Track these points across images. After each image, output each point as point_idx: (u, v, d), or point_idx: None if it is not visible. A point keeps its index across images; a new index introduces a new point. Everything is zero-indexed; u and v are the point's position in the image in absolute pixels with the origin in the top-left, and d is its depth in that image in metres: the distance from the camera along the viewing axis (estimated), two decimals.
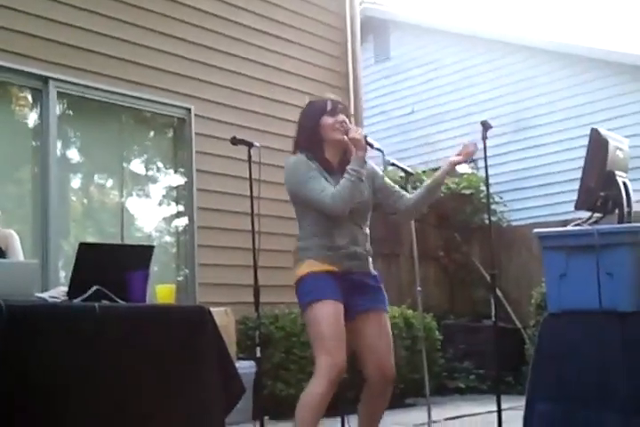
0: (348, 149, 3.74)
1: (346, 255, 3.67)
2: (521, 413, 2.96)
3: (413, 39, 12.15)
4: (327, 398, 3.51)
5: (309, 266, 3.62)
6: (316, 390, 3.49)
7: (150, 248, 3.45)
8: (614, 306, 2.82)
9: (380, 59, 12.49)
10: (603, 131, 3.18)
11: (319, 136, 3.73)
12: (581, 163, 3.24)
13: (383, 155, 3.77)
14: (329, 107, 3.75)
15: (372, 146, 3.72)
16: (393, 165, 5.42)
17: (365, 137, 3.68)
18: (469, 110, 10.63)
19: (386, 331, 3.74)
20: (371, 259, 3.82)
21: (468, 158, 3.81)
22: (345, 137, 3.70)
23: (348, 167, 3.63)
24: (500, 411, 4.22)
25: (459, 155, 3.79)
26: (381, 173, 3.98)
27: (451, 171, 3.83)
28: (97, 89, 6.17)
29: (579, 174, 3.24)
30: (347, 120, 3.75)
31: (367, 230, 3.82)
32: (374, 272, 3.82)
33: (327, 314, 3.53)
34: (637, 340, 2.75)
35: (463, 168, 10.99)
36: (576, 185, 3.24)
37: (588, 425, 2.75)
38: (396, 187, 3.97)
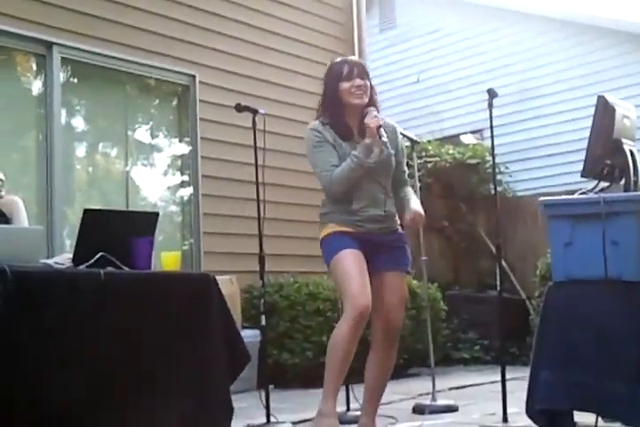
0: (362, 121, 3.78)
1: (364, 219, 3.74)
2: (525, 383, 2.97)
3: (419, 7, 12.02)
4: (353, 336, 3.57)
5: (330, 228, 3.74)
6: (341, 329, 3.58)
7: (155, 215, 3.44)
8: (620, 275, 2.81)
9: (385, 27, 12.38)
10: (610, 98, 3.15)
11: (339, 101, 3.78)
12: (587, 133, 3.21)
13: (387, 148, 3.76)
14: (345, 71, 3.78)
15: (380, 137, 3.71)
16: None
17: (379, 127, 3.69)
18: (475, 80, 10.54)
19: (401, 292, 3.82)
20: (396, 218, 3.87)
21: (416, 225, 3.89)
22: (365, 99, 3.76)
23: (352, 153, 3.69)
24: (504, 381, 4.25)
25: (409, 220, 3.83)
26: (402, 145, 4.03)
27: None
28: (101, 55, 6.13)
29: (585, 145, 3.22)
30: (364, 84, 3.77)
31: (389, 188, 3.85)
32: (399, 231, 3.88)
33: (348, 261, 3.63)
34: None
35: (468, 138, 10.95)
36: (582, 156, 3.22)
37: (591, 393, 2.76)
38: (405, 169, 4.00)
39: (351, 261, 3.63)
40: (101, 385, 2.89)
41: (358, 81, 3.76)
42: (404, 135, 5.43)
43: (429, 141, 10.17)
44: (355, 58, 3.95)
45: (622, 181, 3.13)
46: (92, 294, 2.91)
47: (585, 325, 2.85)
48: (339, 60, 3.90)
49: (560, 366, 2.85)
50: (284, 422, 4.19)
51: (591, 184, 3.19)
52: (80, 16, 6.03)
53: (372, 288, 3.70)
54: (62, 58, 5.92)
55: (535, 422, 2.96)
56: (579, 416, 2.89)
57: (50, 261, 3.15)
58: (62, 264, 3.10)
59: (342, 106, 3.78)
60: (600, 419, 2.87)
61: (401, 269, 3.82)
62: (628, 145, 3.14)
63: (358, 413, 4.42)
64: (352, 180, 3.68)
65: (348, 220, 3.72)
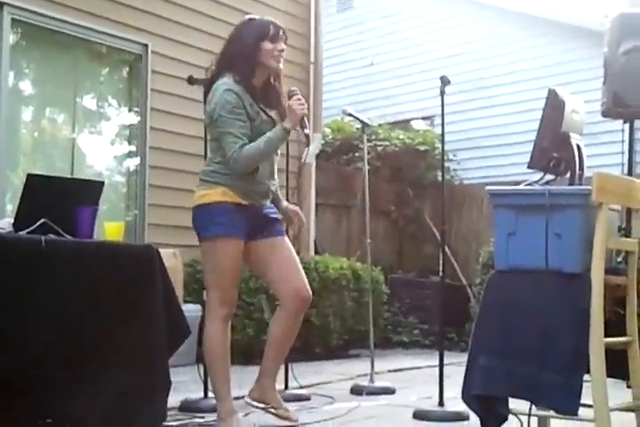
0: (278, 76, 3.70)
1: (260, 192, 3.67)
2: (462, 368, 3.00)
3: None
4: (225, 333, 3.62)
5: (222, 195, 3.57)
6: (211, 332, 3.61)
7: (100, 184, 3.38)
8: (560, 267, 2.85)
9: (343, 8, 12.34)
10: (560, 91, 3.18)
11: (255, 59, 3.62)
12: (537, 125, 3.24)
13: (308, 141, 3.70)
14: (271, 31, 3.65)
15: (302, 128, 3.64)
16: (350, 115, 5.42)
17: (303, 116, 3.61)
18: (429, 66, 10.58)
19: (292, 255, 3.77)
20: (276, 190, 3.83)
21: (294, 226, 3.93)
22: (281, 65, 3.65)
23: (269, 133, 3.57)
24: (441, 365, 4.30)
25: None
26: None
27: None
28: (53, 18, 6.00)
29: (534, 137, 3.24)
30: (284, 48, 3.66)
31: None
32: (271, 205, 3.81)
33: (231, 251, 3.57)
34: (580, 301, 2.78)
35: (419, 124, 11.00)
36: (530, 147, 3.24)
37: (528, 382, 2.80)
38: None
39: (233, 251, 3.57)
40: (41, 356, 2.84)
41: (283, 45, 3.66)
42: (356, 117, 5.42)
43: (380, 125, 10.21)
44: (276, 21, 3.76)
45: (568, 175, 3.17)
46: (32, 260, 2.86)
47: (524, 314, 2.88)
48: (259, 18, 3.74)
49: (497, 353, 2.88)
50: None
51: (537, 176, 3.22)
52: None
53: (263, 259, 3.70)
54: (12, 19, 5.77)
55: (470, 407, 2.99)
56: (514, 403, 2.94)
57: None
58: (2, 229, 3.04)
59: (254, 65, 3.63)
60: (534, 407, 2.92)
61: (283, 234, 3.79)
62: (575, 139, 3.17)
63: (297, 391, 4.45)
64: (260, 161, 3.59)
65: (243, 188, 3.59)
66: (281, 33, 3.68)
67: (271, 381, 3.76)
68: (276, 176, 3.78)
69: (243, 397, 3.82)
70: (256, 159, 3.56)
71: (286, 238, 3.80)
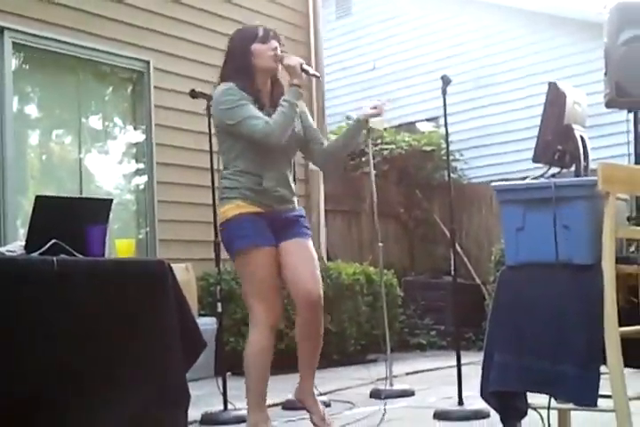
0: (278, 79, 3.69)
1: (274, 199, 3.64)
2: (480, 367, 3.00)
3: None
4: (271, 343, 3.59)
5: (237, 208, 3.57)
6: (256, 337, 3.58)
7: (109, 201, 3.40)
8: (570, 258, 2.85)
9: (341, 14, 12.38)
10: (561, 84, 3.18)
11: (249, 64, 3.61)
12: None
13: (320, 80, 3.73)
14: (260, 33, 3.63)
15: (307, 73, 3.67)
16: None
17: (301, 64, 3.60)
18: (431, 67, 10.58)
19: (310, 255, 3.71)
20: (295, 199, 3.80)
21: (380, 112, 3.84)
22: (279, 65, 3.63)
23: (283, 98, 3.56)
24: (459, 365, 4.31)
25: (374, 108, 3.81)
26: (308, 112, 3.93)
27: (363, 123, 3.85)
28: (54, 40, 6.05)
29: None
30: (279, 47, 3.64)
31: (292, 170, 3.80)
32: (298, 210, 3.80)
33: (262, 260, 3.56)
34: (593, 292, 2.78)
35: (424, 126, 11.01)
36: (535, 142, 3.25)
37: (545, 375, 2.80)
38: (319, 132, 3.94)
39: (265, 261, 3.56)
40: (56, 374, 2.86)
41: (274, 43, 3.63)
42: None
43: (385, 129, 10.21)
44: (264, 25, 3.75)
45: (573, 167, 3.17)
46: (45, 281, 2.88)
47: (537, 308, 2.88)
48: (247, 25, 3.75)
49: (512, 349, 2.88)
50: (241, 409, 4.19)
51: (544, 170, 3.22)
52: (32, 0, 5.93)
53: (284, 262, 3.65)
54: (14, 43, 5.82)
55: (489, 404, 2.99)
56: (533, 398, 2.94)
57: (2, 249, 3.11)
58: (14, 251, 3.06)
59: (251, 70, 3.61)
60: (553, 400, 2.92)
61: (306, 237, 3.74)
62: (578, 131, 3.17)
63: (317, 398, 4.44)
64: (289, 127, 3.55)
65: (255, 197, 3.59)
66: (271, 33, 3.65)
67: (308, 385, 3.74)
68: (291, 181, 3.75)
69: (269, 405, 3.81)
70: (286, 124, 3.53)
71: (309, 241, 3.75)
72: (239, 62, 3.62)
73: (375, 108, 3.80)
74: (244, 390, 3.66)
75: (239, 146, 3.61)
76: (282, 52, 3.66)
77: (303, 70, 3.62)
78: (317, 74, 3.68)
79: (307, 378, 3.74)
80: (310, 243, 3.77)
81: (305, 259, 3.68)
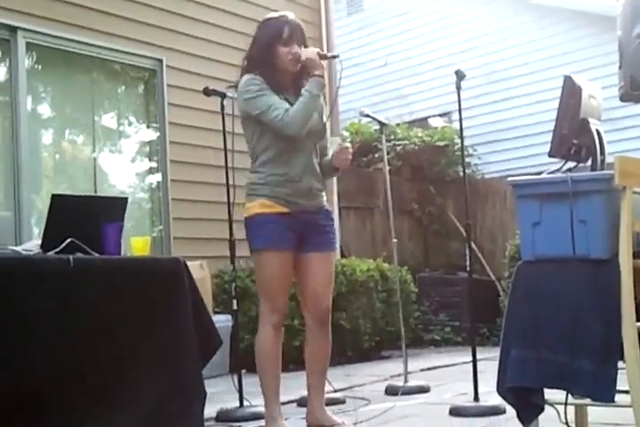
0: (299, 77, 3.69)
1: (301, 193, 3.63)
2: (495, 364, 2.99)
3: None
4: (276, 340, 3.66)
5: (261, 207, 3.59)
6: (261, 335, 3.68)
7: (124, 200, 3.42)
8: (587, 253, 2.83)
9: (352, 10, 12.37)
10: (576, 78, 3.16)
11: (271, 63, 3.64)
12: (555, 114, 3.23)
13: (339, 58, 3.71)
14: (285, 33, 3.63)
15: (326, 57, 3.67)
16: (367, 116, 5.42)
17: (318, 53, 3.62)
18: (443, 62, 10.57)
19: (329, 272, 3.78)
20: (323, 191, 3.79)
21: (343, 164, 3.77)
22: (298, 66, 3.64)
23: (304, 88, 3.58)
24: (475, 361, 4.29)
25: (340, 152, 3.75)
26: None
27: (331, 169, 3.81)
28: (67, 40, 6.05)
29: (553, 126, 3.23)
30: (298, 50, 3.64)
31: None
32: (327, 207, 3.81)
33: (275, 263, 3.60)
34: (610, 286, 2.77)
35: (437, 121, 10.98)
36: (550, 137, 3.23)
37: (562, 371, 2.78)
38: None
39: (277, 263, 3.60)
40: (73, 372, 2.87)
41: (295, 48, 3.63)
42: (373, 118, 5.43)
43: (398, 125, 10.20)
44: (294, 18, 3.73)
45: (589, 161, 3.15)
46: (61, 280, 2.89)
47: (553, 303, 2.87)
48: (275, 17, 3.71)
49: (529, 344, 2.87)
50: (256, 406, 4.19)
51: (559, 165, 3.20)
52: (45, 0, 5.95)
53: (300, 271, 3.71)
54: (27, 43, 5.84)
55: (506, 399, 2.98)
56: (549, 394, 2.93)
57: (18, 248, 3.12)
58: (31, 251, 3.07)
59: (275, 69, 3.64)
60: (570, 396, 2.91)
61: (330, 249, 3.78)
62: (594, 124, 3.15)
63: (332, 395, 4.44)
64: (310, 116, 3.56)
65: (282, 193, 3.59)
66: (297, 33, 3.66)
67: (318, 402, 3.78)
68: (318, 171, 3.73)
69: (281, 403, 3.83)
70: (306, 115, 3.54)
71: (333, 253, 3.82)
72: (262, 58, 3.64)
73: (341, 151, 3.75)
74: (260, 386, 3.69)
75: (268, 134, 3.62)
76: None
77: (321, 57, 3.63)
78: (335, 54, 3.70)
79: (317, 396, 3.79)
80: (334, 255, 3.84)
81: (325, 276, 3.75)
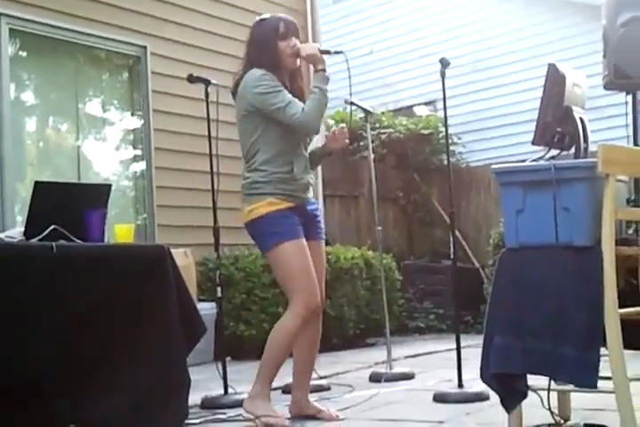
0: (297, 74, 3.75)
1: (301, 188, 3.69)
2: (479, 350, 3.00)
3: None
4: (296, 333, 3.63)
5: (270, 205, 3.60)
6: (288, 324, 3.61)
7: (108, 187, 3.41)
8: (570, 240, 2.85)
9: None
10: (560, 66, 3.17)
11: (276, 60, 3.66)
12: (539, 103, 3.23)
13: (344, 54, 3.73)
14: (281, 29, 3.66)
15: (329, 53, 3.68)
16: (352, 104, 5.41)
17: (319, 49, 3.66)
18: (428, 51, 10.54)
19: (322, 260, 3.84)
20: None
21: (341, 145, 3.85)
22: (298, 61, 3.69)
23: (313, 85, 3.62)
24: (459, 348, 4.31)
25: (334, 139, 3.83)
26: None
27: (325, 154, 3.90)
28: (50, 26, 6.00)
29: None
30: (297, 42, 3.68)
31: None
32: (314, 200, 3.91)
33: (296, 252, 3.59)
34: (593, 274, 2.78)
35: (422, 110, 10.98)
36: (534, 125, 3.24)
37: (545, 357, 2.80)
38: None
39: (299, 254, 3.59)
40: (57, 358, 2.87)
41: (293, 41, 3.67)
42: (358, 106, 5.43)
43: (383, 113, 10.19)
44: (287, 16, 3.78)
45: (573, 149, 3.16)
46: (44, 266, 2.88)
47: (537, 290, 2.88)
48: (268, 17, 3.74)
49: (512, 331, 2.89)
50: (241, 393, 4.20)
51: (543, 153, 3.21)
52: None
53: None
54: (10, 29, 5.79)
55: (490, 386, 3.00)
56: (533, 380, 2.95)
57: (1, 236, 3.12)
58: (14, 238, 3.06)
59: (278, 63, 3.66)
60: (553, 382, 2.93)
61: (322, 238, 3.86)
62: (578, 113, 3.16)
63: (317, 382, 4.46)
64: (323, 113, 3.64)
65: (287, 189, 3.63)
66: (292, 28, 3.70)
67: (303, 391, 3.81)
68: (310, 169, 3.80)
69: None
70: (321, 111, 3.61)
71: (322, 242, 3.85)
72: (267, 55, 3.65)
73: (341, 133, 3.82)
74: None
75: (275, 130, 3.63)
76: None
77: (323, 53, 3.66)
78: (339, 50, 3.70)
79: (302, 385, 3.80)
80: (323, 244, 3.88)
81: (322, 265, 3.81)
